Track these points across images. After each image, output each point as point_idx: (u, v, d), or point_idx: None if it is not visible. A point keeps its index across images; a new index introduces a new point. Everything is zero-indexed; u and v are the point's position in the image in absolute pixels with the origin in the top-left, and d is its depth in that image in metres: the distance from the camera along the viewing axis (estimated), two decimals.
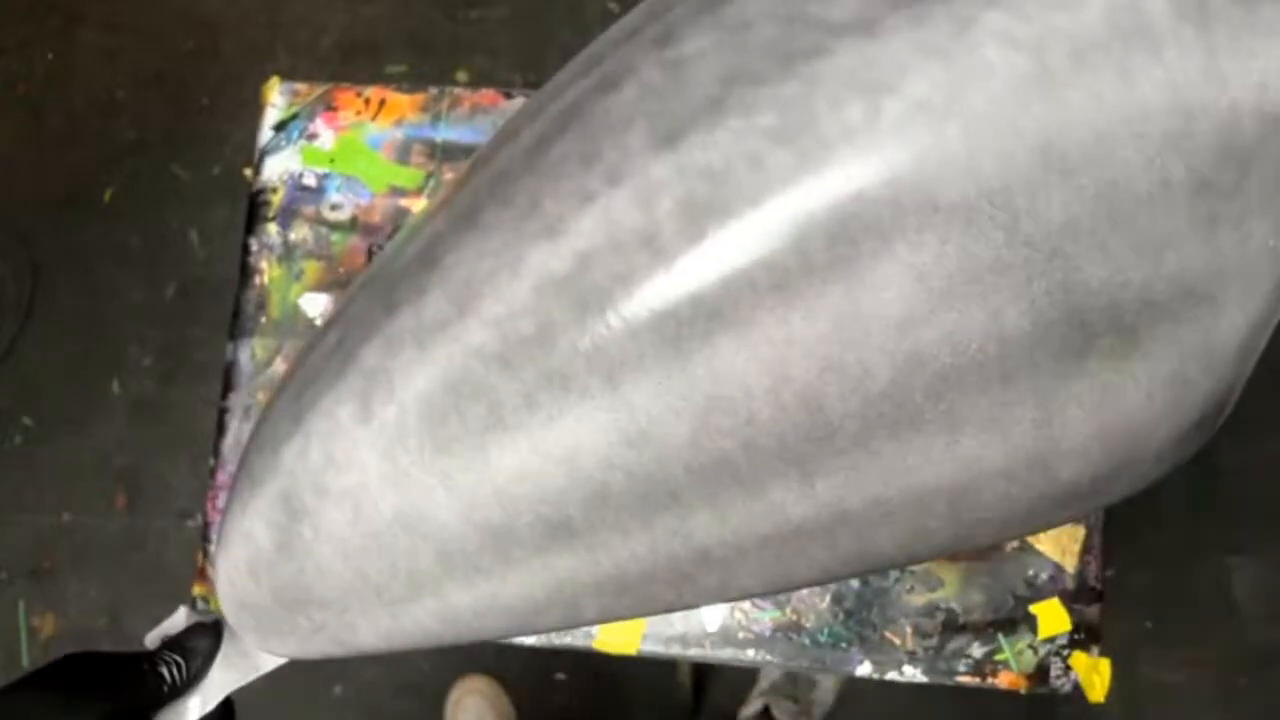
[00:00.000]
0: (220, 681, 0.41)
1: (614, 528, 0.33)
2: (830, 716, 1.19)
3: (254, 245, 0.64)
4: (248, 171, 0.66)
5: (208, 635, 0.41)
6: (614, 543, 0.33)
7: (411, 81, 0.69)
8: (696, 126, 0.29)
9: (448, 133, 0.65)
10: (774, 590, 0.36)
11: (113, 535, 1.31)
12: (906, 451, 0.31)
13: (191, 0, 1.47)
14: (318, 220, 0.64)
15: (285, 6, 1.45)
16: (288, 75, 0.67)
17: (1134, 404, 0.31)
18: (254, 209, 0.65)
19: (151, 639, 0.41)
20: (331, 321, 0.37)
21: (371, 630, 0.36)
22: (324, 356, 0.35)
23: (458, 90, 0.66)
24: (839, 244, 0.28)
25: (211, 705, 0.41)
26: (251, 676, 0.42)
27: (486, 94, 0.66)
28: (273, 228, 0.64)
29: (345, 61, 1.41)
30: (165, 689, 0.39)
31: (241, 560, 0.36)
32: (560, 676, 1.22)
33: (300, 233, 0.64)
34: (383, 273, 0.36)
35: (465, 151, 0.64)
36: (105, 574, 1.31)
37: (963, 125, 0.28)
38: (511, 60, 1.39)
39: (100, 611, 1.30)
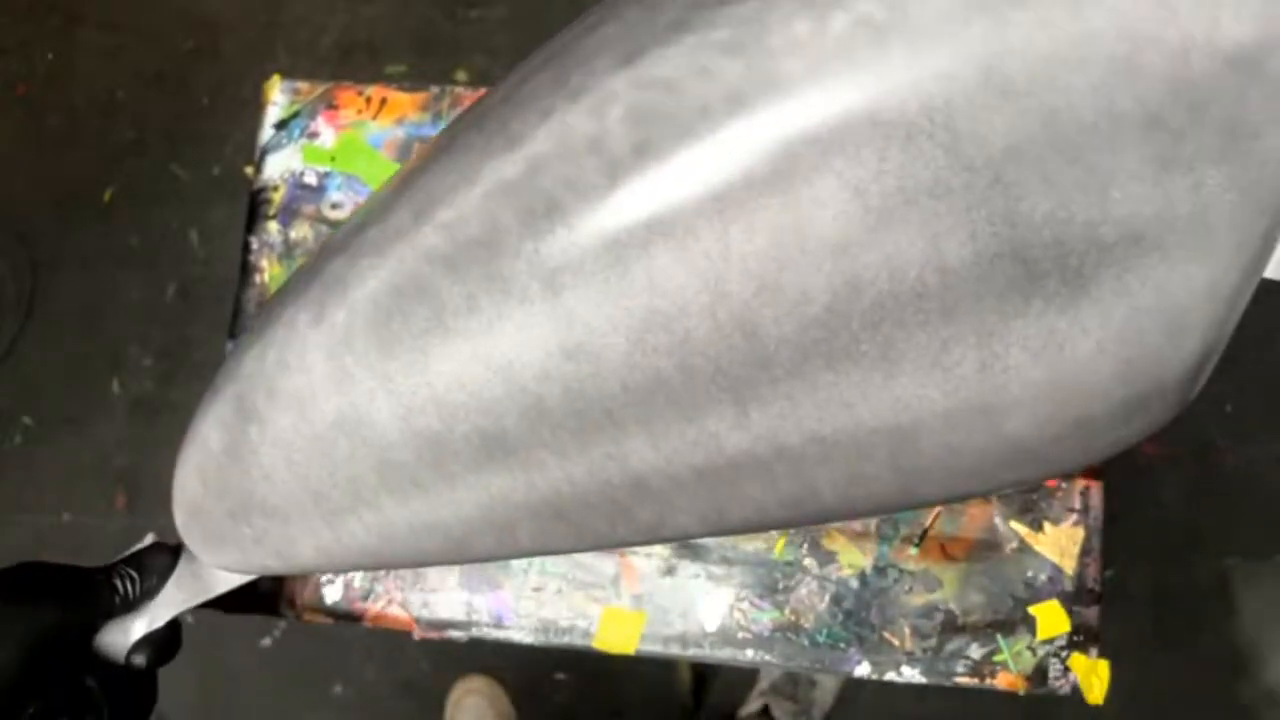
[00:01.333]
0: (169, 600, 0.41)
1: (549, 447, 0.33)
2: (830, 716, 1.19)
3: (254, 244, 0.64)
4: (248, 170, 0.66)
5: (165, 554, 0.42)
6: (549, 463, 0.33)
7: (411, 81, 0.69)
8: (656, 43, 0.30)
9: None
10: (712, 531, 0.36)
11: (113, 535, 1.31)
12: (843, 385, 0.31)
13: (191, 0, 1.47)
14: (319, 219, 0.64)
15: (285, 6, 1.45)
16: (288, 75, 0.67)
17: (1084, 355, 0.31)
18: (255, 207, 0.65)
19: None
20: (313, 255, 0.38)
21: (311, 543, 0.37)
22: (296, 278, 0.36)
23: (459, 89, 0.66)
24: (779, 157, 0.28)
25: (159, 624, 0.41)
26: (200, 598, 0.42)
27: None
28: (273, 226, 0.64)
29: (345, 61, 1.41)
30: (117, 601, 0.40)
31: (193, 465, 0.37)
32: (560, 676, 1.22)
33: (301, 231, 0.64)
34: (361, 208, 0.37)
35: None
36: None
37: (906, 41, 0.28)
38: (511, 60, 1.39)
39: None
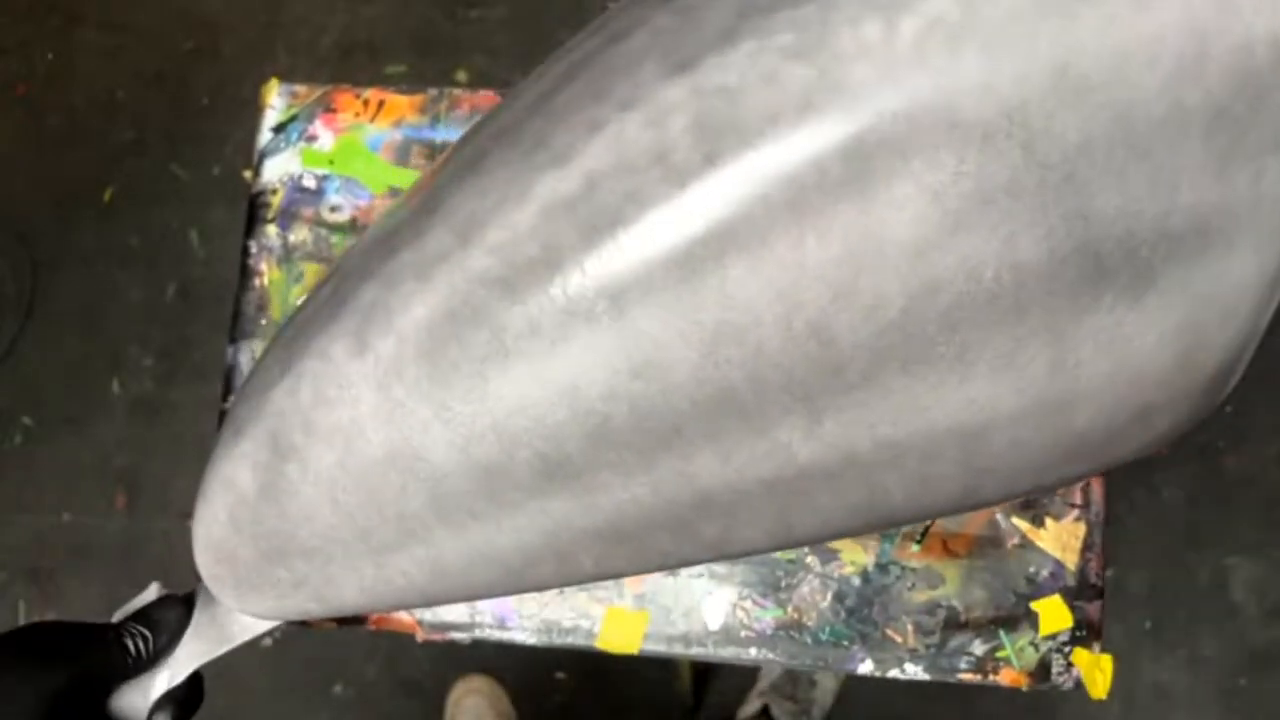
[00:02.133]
0: (190, 653, 0.40)
1: (614, 467, 0.32)
2: (829, 716, 1.19)
3: (253, 247, 0.64)
4: (247, 174, 0.66)
5: (176, 608, 0.40)
6: (614, 484, 0.32)
7: (411, 82, 0.69)
8: (711, 51, 0.29)
9: (447, 134, 0.65)
10: (778, 545, 0.35)
11: (113, 535, 1.31)
12: (918, 389, 0.30)
13: (191, 0, 1.47)
14: (317, 222, 0.64)
15: (285, 6, 1.45)
16: (287, 75, 0.67)
17: (1149, 347, 0.31)
18: (253, 211, 0.65)
19: (119, 614, 0.40)
20: (326, 279, 0.36)
21: (355, 583, 0.35)
22: (318, 306, 0.34)
23: (457, 91, 0.66)
24: (854, 161, 0.28)
25: (180, 679, 0.39)
26: (222, 649, 0.40)
27: (486, 95, 0.66)
28: (272, 229, 0.64)
29: (345, 61, 1.41)
30: (130, 661, 0.38)
31: (221, 509, 0.35)
32: (560, 675, 1.22)
33: (300, 235, 0.64)
34: (379, 229, 0.35)
35: None
36: (105, 574, 1.31)
37: (979, 42, 0.28)
38: (511, 60, 1.39)
39: (100, 611, 1.29)
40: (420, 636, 0.59)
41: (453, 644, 0.60)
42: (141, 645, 0.38)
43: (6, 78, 1.46)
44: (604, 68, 0.31)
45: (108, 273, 1.38)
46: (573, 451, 0.32)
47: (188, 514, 1.31)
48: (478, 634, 0.58)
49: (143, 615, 0.39)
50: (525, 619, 0.58)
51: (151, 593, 0.41)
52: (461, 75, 1.38)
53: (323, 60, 1.41)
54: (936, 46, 0.28)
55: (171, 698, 0.39)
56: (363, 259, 0.34)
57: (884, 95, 0.28)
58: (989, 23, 0.28)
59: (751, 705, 1.18)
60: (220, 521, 0.35)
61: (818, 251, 0.29)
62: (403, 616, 0.59)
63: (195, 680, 0.40)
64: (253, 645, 1.38)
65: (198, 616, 0.40)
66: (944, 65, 0.28)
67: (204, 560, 0.37)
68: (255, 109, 0.67)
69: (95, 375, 1.31)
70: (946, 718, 1.16)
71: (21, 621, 1.30)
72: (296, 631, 1.25)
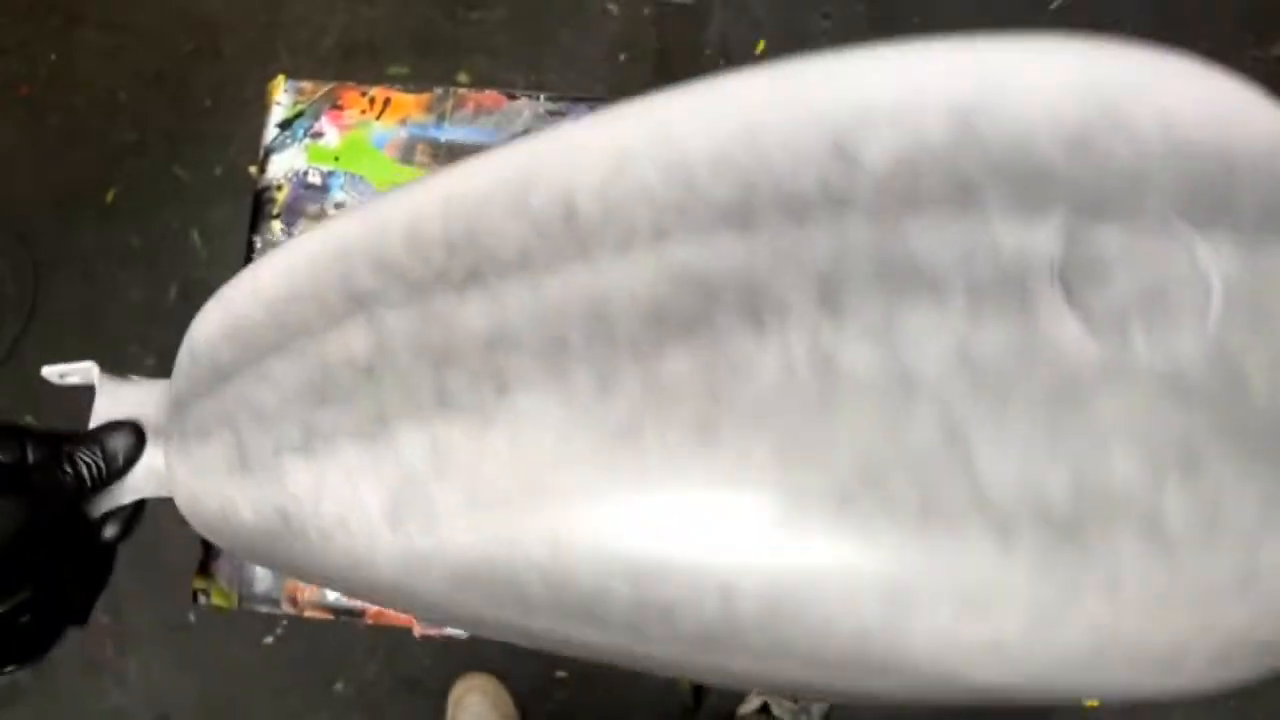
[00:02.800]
0: (136, 488, 0.41)
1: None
2: (829, 714, 1.19)
3: (258, 243, 0.65)
4: (252, 170, 0.67)
5: (129, 435, 0.41)
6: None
7: (412, 83, 0.69)
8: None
9: (452, 133, 0.65)
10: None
11: None
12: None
13: (192, 0, 1.48)
14: (322, 218, 0.65)
15: (286, 7, 1.45)
16: (289, 76, 0.67)
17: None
18: (258, 207, 0.65)
19: (49, 372, 0.42)
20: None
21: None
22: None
23: (462, 90, 0.66)
24: None
25: (125, 501, 0.41)
26: (166, 491, 0.41)
27: (490, 94, 0.66)
28: (277, 226, 0.65)
29: (346, 62, 1.42)
30: (81, 488, 0.39)
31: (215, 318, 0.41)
32: (561, 674, 1.23)
33: (305, 231, 0.65)
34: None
35: (469, 151, 0.65)
36: None
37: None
38: (512, 61, 1.40)
39: (101, 610, 1.29)
40: (417, 631, 0.59)
41: (454, 642, 0.60)
42: (94, 473, 0.39)
43: (8, 78, 1.47)
44: None
45: (109, 273, 1.38)
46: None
47: None
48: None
49: (97, 441, 0.40)
50: None
51: (91, 373, 0.42)
52: (463, 76, 1.38)
53: (324, 61, 1.42)
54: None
55: (118, 515, 0.40)
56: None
57: None
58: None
59: (751, 703, 1.18)
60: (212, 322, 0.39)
61: None
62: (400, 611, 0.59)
63: (138, 507, 0.42)
64: (254, 643, 1.37)
65: (147, 455, 0.41)
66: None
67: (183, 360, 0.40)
68: (257, 109, 0.68)
69: None
70: (946, 717, 1.17)
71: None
72: (298, 629, 1.25)
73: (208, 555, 0.65)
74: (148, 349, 1.33)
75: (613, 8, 1.40)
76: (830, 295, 0.31)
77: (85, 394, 0.43)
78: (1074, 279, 0.31)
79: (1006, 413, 0.30)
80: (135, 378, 0.43)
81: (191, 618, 1.27)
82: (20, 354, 1.36)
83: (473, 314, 0.34)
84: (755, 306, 0.31)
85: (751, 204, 0.32)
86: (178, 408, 0.40)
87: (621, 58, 1.38)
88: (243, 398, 0.37)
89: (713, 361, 0.31)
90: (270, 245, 0.65)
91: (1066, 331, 0.30)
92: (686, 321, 0.32)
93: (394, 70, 1.39)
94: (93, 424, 0.41)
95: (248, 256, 0.65)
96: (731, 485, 0.31)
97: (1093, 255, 0.31)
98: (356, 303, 0.36)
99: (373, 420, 0.35)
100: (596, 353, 0.32)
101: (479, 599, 0.34)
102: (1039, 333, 0.30)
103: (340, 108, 0.66)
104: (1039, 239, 0.31)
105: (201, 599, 0.65)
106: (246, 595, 0.64)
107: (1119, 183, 0.31)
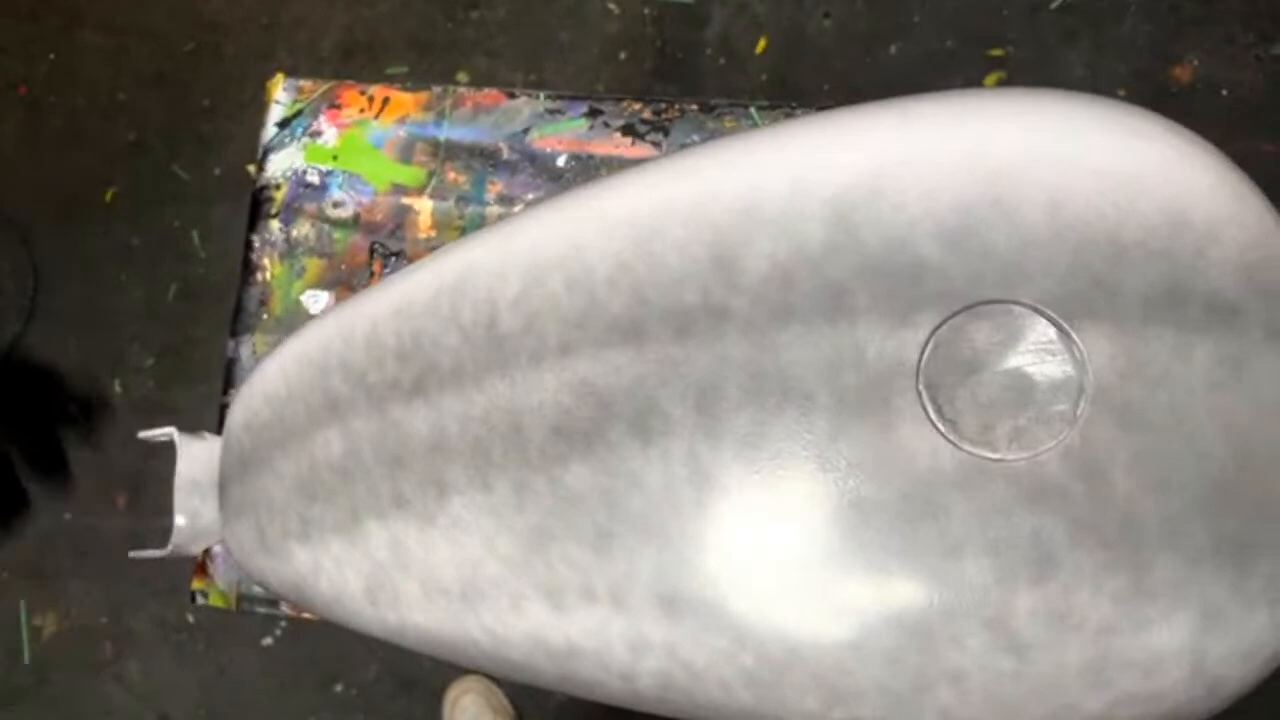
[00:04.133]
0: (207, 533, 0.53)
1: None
2: None
3: (256, 242, 0.65)
4: (251, 169, 0.66)
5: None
6: None
7: (412, 82, 0.69)
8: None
9: (450, 131, 0.65)
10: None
11: (113, 535, 1.31)
12: None
13: (192, 1, 1.47)
14: (320, 217, 0.65)
15: (286, 7, 1.45)
16: (289, 75, 0.67)
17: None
18: (257, 205, 0.65)
19: (144, 436, 0.54)
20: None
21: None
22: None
23: (461, 89, 0.66)
24: None
25: (194, 551, 0.54)
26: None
27: (489, 93, 0.66)
28: (275, 224, 0.65)
29: (346, 62, 1.41)
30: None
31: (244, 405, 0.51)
32: None
33: (302, 230, 0.64)
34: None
35: (468, 150, 0.65)
36: (105, 574, 1.31)
37: None
38: (511, 61, 1.39)
39: (101, 611, 1.30)
40: None
41: None
42: None
43: (8, 78, 1.47)
44: None
45: (109, 273, 1.38)
46: None
47: None
48: None
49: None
50: None
51: (170, 434, 0.51)
52: (462, 76, 1.38)
53: (324, 61, 1.42)
54: None
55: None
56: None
57: None
58: None
59: None
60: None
61: None
62: None
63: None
64: (254, 644, 1.38)
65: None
66: None
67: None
68: (257, 109, 0.68)
69: (97, 375, 1.32)
70: None
71: (23, 620, 1.31)
72: (298, 630, 1.25)
73: (206, 557, 0.65)
74: (148, 348, 1.32)
75: (613, 7, 1.40)
76: (708, 407, 0.33)
77: (87, 396, 0.51)
78: (939, 383, 0.31)
79: (864, 523, 0.32)
80: (207, 435, 0.52)
81: (191, 618, 1.27)
82: (20, 354, 1.36)
83: (419, 422, 0.38)
84: (643, 418, 0.34)
85: (642, 318, 0.35)
86: (224, 487, 0.49)
87: (621, 57, 1.38)
88: (260, 487, 0.44)
89: (608, 473, 0.34)
90: (268, 244, 0.65)
91: (923, 442, 0.31)
92: (585, 434, 0.35)
93: (393, 70, 1.39)
94: (177, 482, 0.50)
95: (246, 255, 0.65)
96: (620, 593, 0.35)
97: (959, 358, 0.31)
98: (332, 410, 0.41)
99: (349, 516, 0.40)
100: (512, 463, 0.36)
101: (445, 657, 0.41)
102: (897, 443, 0.31)
103: (339, 106, 0.66)
104: (906, 343, 0.32)
105: (200, 600, 0.65)
106: (245, 596, 0.63)
107: (996, 277, 0.31)
